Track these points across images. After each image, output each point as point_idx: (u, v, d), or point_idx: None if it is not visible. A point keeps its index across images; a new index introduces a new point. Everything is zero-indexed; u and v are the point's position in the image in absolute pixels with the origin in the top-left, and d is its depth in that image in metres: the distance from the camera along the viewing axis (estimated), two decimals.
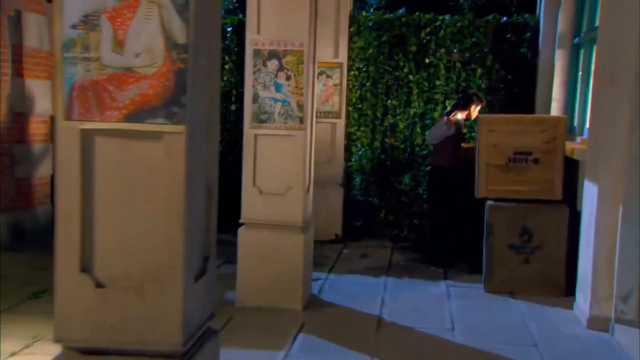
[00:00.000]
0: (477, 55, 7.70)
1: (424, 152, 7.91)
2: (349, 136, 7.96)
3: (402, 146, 7.97)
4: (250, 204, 5.11)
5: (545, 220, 5.74)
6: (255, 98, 5.05)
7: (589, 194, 5.01)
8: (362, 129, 7.94)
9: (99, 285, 2.32)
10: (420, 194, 7.96)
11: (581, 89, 6.78)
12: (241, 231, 5.15)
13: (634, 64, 4.57)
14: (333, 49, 7.72)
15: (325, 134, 7.78)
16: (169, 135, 2.26)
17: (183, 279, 2.35)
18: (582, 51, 6.88)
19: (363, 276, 6.29)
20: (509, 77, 7.71)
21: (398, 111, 7.91)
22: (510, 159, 5.87)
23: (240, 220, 5.14)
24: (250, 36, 5.01)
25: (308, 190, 5.34)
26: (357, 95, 7.89)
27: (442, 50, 7.73)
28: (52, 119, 7.66)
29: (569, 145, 5.84)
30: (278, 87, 5.02)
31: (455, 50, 7.77)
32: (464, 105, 6.67)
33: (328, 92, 7.74)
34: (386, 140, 8.02)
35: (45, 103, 7.47)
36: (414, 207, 7.93)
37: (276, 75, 5.01)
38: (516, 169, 5.86)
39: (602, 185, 4.78)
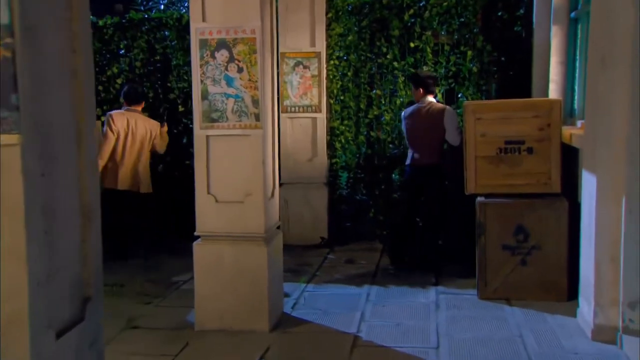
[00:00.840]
0: (467, 36, 7.06)
1: None
2: (331, 131, 7.37)
3: (389, 139, 7.37)
4: (205, 215, 4.55)
5: (543, 216, 5.13)
6: (205, 94, 4.47)
7: (588, 186, 4.39)
8: (345, 122, 7.36)
9: None
10: None
11: (581, 68, 6.15)
12: (196, 246, 4.58)
13: (629, 42, 3.94)
14: (309, 38, 7.14)
15: (305, 130, 7.23)
16: None
17: (30, 333, 1.78)
18: (579, 26, 6.24)
19: (345, 286, 5.70)
20: (503, 59, 7.09)
21: (383, 102, 7.32)
22: (501, 149, 5.27)
23: (195, 233, 4.58)
24: (195, 24, 4.43)
25: (272, 195, 4.76)
26: (338, 86, 7.30)
27: (429, 33, 7.10)
28: None
29: (566, 131, 5.22)
30: (229, 81, 4.44)
31: (442, 33, 7.16)
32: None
33: (306, 84, 7.15)
34: (372, 133, 7.43)
35: None
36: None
37: (226, 68, 4.44)
38: (508, 161, 5.25)
39: (601, 176, 4.16)
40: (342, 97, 7.33)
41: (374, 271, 6.18)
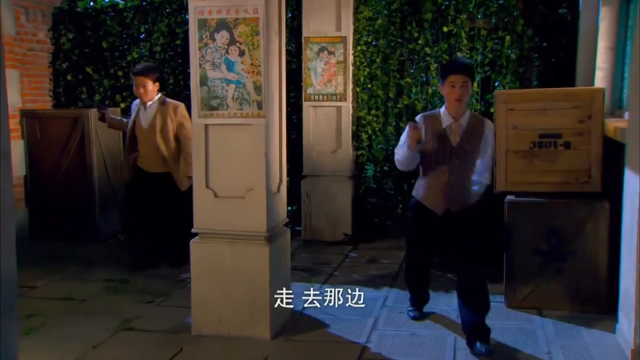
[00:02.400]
0: (506, 20, 6.48)
1: None
2: (357, 121, 6.93)
3: None
4: (204, 210, 4.19)
5: (580, 219, 4.61)
6: (204, 80, 4.11)
7: (630, 186, 3.87)
8: (372, 112, 6.89)
9: None
10: None
11: (632, 54, 5.54)
12: (194, 244, 4.24)
13: None
14: (335, 21, 6.70)
15: (330, 120, 6.81)
16: None
17: None
18: (631, 8, 5.64)
19: (363, 287, 5.20)
20: (544, 44, 6.51)
21: (414, 91, 6.82)
22: (535, 143, 4.75)
23: (193, 230, 4.23)
24: (194, 2, 4.06)
25: (278, 190, 4.38)
26: (366, 73, 6.83)
27: (464, 16, 6.54)
28: (23, 113, 6.94)
29: (611, 124, 4.67)
30: (230, 66, 4.07)
31: (479, 16, 6.61)
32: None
33: (330, 71, 6.72)
34: (402, 124, 6.94)
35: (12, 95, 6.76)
36: None
37: (227, 51, 4.06)
38: (542, 156, 4.74)
39: None
40: (369, 85, 6.87)
41: (396, 272, 5.74)
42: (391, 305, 4.86)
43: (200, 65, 4.08)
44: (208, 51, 4.06)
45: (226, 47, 4.05)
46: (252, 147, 4.10)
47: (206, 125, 4.14)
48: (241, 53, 4.04)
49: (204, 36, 4.05)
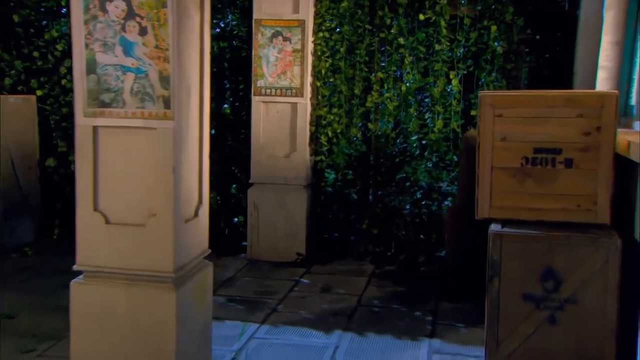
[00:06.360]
0: (493, 7, 5.63)
1: (423, 141, 5.85)
2: (316, 121, 5.95)
3: (392, 134, 5.91)
4: (91, 241, 3.14)
5: (583, 256, 3.63)
6: (92, 66, 3.04)
7: None
8: (334, 111, 5.92)
9: None
10: (418, 200, 5.93)
11: None
12: (76, 285, 3.18)
13: None
14: (292, 2, 5.68)
15: (283, 119, 5.83)
16: None
17: None
18: None
19: (309, 330, 4.27)
20: (537, 37, 5.69)
21: (386, 87, 5.85)
22: (528, 159, 3.78)
23: (75, 267, 3.18)
24: None
25: (195, 214, 3.35)
26: (327, 65, 5.85)
27: (444, 1, 5.63)
28: None
29: (623, 137, 3.72)
30: (128, 48, 3.01)
31: (462, 2, 5.68)
32: None
33: (285, 60, 5.70)
34: (369, 126, 5.98)
35: None
36: (407, 217, 5.90)
37: (124, 27, 3.00)
38: (537, 176, 3.76)
39: None
40: (331, 79, 5.90)
41: (354, 307, 4.74)
42: (342, 358, 3.85)
43: (86, 45, 3.02)
44: (97, 26, 3.00)
45: (122, 21, 2.99)
46: (156, 158, 3.06)
47: (95, 128, 3.08)
48: (142, 31, 2.99)
49: (91, 5, 2.99)
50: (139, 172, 3.08)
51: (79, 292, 3.16)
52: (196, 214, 3.36)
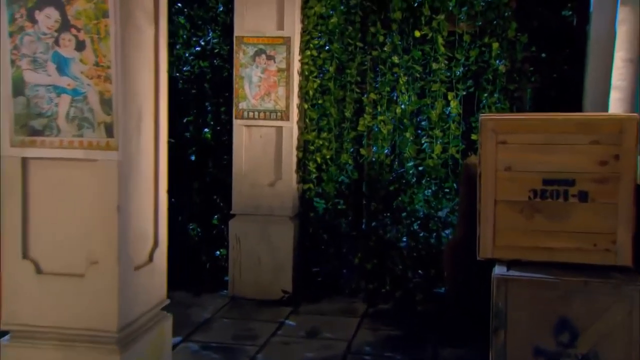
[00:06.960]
0: (494, 22, 5.21)
1: (420, 168, 5.41)
2: (304, 146, 5.50)
3: (386, 160, 5.46)
4: (19, 294, 2.68)
5: (602, 305, 3.16)
6: (19, 86, 2.60)
7: None
8: (323, 135, 5.47)
9: None
10: (415, 231, 5.47)
11: None
12: (4, 349, 2.69)
13: None
14: (276, 17, 5.29)
15: (267, 144, 5.42)
16: None
17: None
18: None
19: None
20: (543, 55, 5.30)
21: (379, 109, 5.42)
22: (537, 192, 3.33)
23: (1, 327, 2.69)
24: None
25: (150, 259, 2.88)
26: (316, 85, 5.43)
27: (442, 17, 5.23)
28: None
29: None
30: (62, 65, 2.57)
31: (461, 17, 5.28)
32: None
33: (270, 81, 5.26)
34: (361, 151, 5.52)
35: None
36: (403, 250, 5.43)
37: (57, 41, 2.56)
38: (547, 211, 3.31)
39: None
40: (320, 101, 5.46)
41: (343, 355, 4.24)
42: None
43: (12, 62, 2.58)
44: (25, 40, 2.56)
45: (55, 34, 2.56)
46: (97, 195, 2.60)
47: (24, 159, 2.63)
48: (79, 45, 2.54)
49: (17, 14, 2.54)
50: (77, 212, 2.63)
51: (6, 357, 2.67)
52: (151, 258, 2.90)
